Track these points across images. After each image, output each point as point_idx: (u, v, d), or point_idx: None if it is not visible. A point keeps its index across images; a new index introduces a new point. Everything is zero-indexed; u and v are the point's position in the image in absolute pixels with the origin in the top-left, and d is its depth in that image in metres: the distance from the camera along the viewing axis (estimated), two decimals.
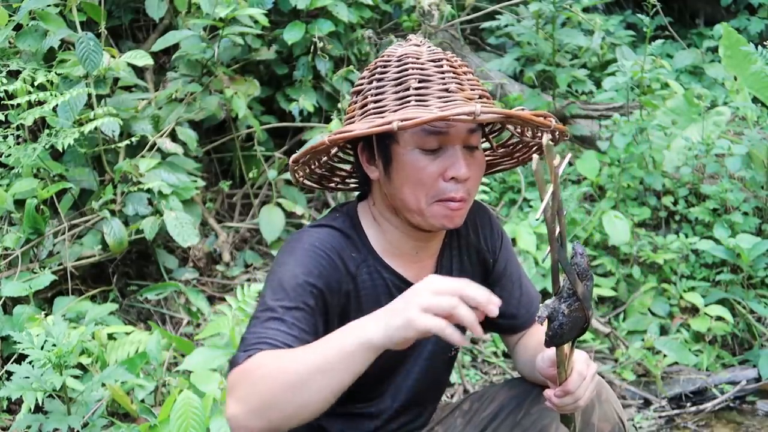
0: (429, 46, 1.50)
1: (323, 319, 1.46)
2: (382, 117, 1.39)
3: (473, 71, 1.49)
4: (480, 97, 1.44)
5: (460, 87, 1.42)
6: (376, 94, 1.45)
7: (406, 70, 1.43)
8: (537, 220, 1.22)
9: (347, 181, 1.72)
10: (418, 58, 1.45)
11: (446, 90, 1.41)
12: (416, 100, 1.39)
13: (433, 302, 1.15)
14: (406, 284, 1.55)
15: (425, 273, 1.60)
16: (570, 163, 4.02)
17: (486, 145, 1.65)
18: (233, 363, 1.35)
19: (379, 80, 1.46)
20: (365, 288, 1.54)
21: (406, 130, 1.35)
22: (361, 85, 1.50)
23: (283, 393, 1.22)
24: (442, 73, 1.43)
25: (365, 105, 1.46)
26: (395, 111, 1.39)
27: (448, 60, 1.46)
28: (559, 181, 1.14)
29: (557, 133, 1.49)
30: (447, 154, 1.43)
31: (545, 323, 1.26)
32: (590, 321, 1.28)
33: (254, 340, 1.36)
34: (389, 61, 1.47)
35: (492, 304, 1.16)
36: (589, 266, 1.26)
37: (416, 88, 1.40)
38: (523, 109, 1.43)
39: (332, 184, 1.71)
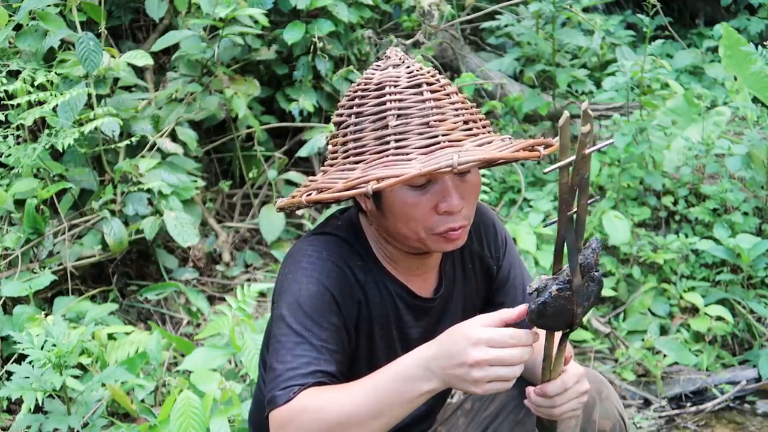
0: (408, 67, 1.44)
1: (347, 333, 1.47)
2: (361, 161, 1.36)
3: (457, 90, 1.44)
4: (465, 123, 1.39)
5: (441, 118, 1.37)
6: (356, 131, 1.40)
7: (384, 103, 1.39)
8: (545, 173, 1.18)
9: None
10: (396, 85, 1.40)
11: (426, 125, 1.36)
12: (395, 141, 1.35)
13: (496, 374, 1.23)
14: (411, 295, 1.57)
15: (429, 283, 1.61)
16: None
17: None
18: (272, 402, 1.35)
19: (357, 114, 1.41)
20: (373, 297, 1.53)
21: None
22: (342, 115, 1.46)
23: None
24: (423, 101, 1.38)
25: (346, 143, 1.42)
26: (375, 153, 1.35)
27: (428, 83, 1.41)
28: (586, 152, 1.02)
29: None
30: (437, 186, 1.40)
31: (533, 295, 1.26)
32: (577, 320, 1.27)
33: (288, 374, 1.35)
34: (367, 89, 1.43)
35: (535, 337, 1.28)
36: (596, 266, 1.24)
37: (395, 126, 1.36)
38: (510, 138, 1.39)
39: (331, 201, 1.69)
